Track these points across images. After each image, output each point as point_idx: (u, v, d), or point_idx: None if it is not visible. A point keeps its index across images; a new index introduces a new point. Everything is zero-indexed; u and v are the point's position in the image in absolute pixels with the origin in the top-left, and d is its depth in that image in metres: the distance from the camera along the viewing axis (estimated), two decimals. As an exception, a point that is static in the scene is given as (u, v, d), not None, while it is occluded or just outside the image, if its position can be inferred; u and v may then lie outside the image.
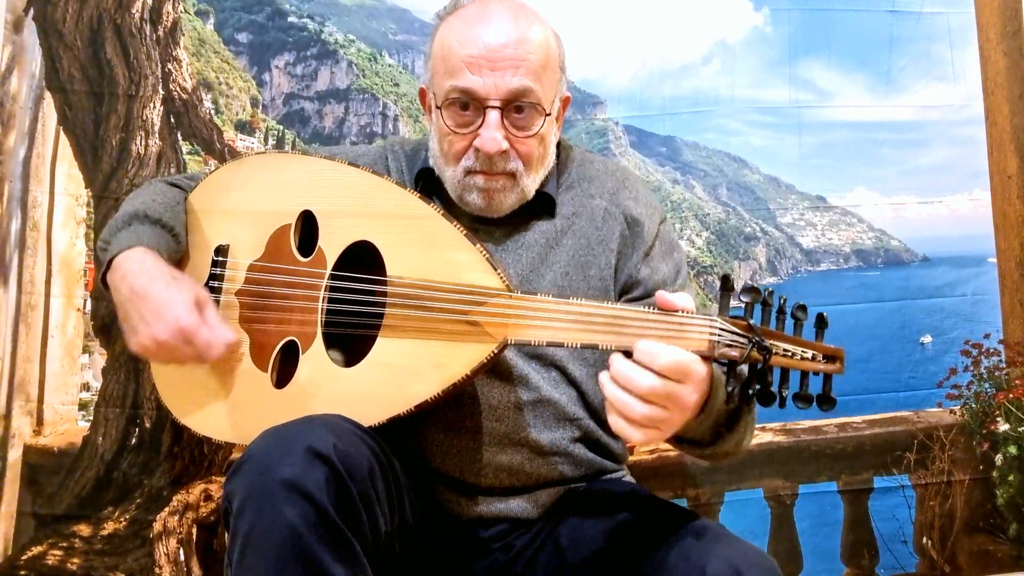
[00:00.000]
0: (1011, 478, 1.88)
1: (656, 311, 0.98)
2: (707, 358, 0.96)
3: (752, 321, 0.97)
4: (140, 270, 1.15)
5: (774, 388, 0.96)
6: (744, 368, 0.96)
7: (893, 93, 2.00)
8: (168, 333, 1.10)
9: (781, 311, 0.98)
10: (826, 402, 0.98)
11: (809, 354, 0.98)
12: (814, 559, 1.90)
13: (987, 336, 1.96)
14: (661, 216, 1.31)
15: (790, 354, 0.97)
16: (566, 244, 1.23)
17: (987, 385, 1.93)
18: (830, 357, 0.99)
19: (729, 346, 0.96)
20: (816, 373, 0.99)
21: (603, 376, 0.96)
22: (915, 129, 2.00)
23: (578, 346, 1.02)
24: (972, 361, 1.94)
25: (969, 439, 1.92)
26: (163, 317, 1.11)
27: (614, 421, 0.94)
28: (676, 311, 0.97)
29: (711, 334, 0.96)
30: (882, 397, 1.93)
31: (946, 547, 1.91)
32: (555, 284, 1.20)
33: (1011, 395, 1.88)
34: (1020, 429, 1.87)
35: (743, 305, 0.98)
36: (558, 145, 1.30)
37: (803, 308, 0.98)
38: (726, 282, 0.99)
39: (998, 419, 1.89)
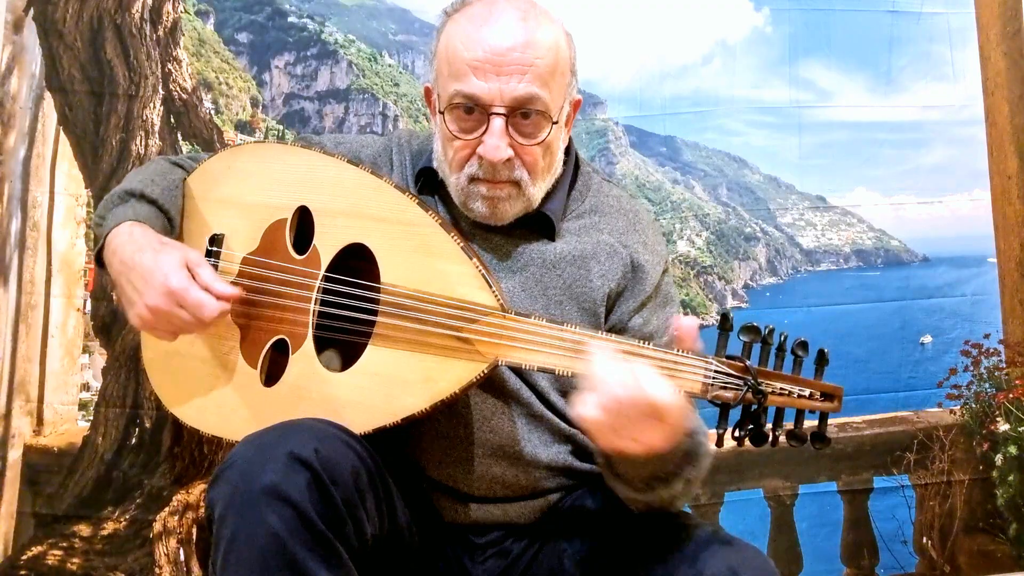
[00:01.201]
0: (1011, 478, 1.88)
1: (652, 346, 0.97)
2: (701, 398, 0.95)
3: (749, 363, 0.95)
4: (128, 241, 1.13)
5: (767, 428, 0.96)
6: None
7: (893, 93, 2.00)
8: (158, 297, 1.08)
9: (781, 348, 0.97)
10: (820, 440, 0.98)
11: (807, 392, 0.97)
12: (814, 559, 1.90)
13: (987, 336, 1.96)
14: (664, 266, 1.27)
15: (787, 392, 0.96)
16: (564, 271, 1.19)
17: (987, 385, 1.93)
18: (828, 395, 0.98)
19: (724, 388, 0.95)
20: (812, 411, 0.98)
21: (595, 360, 0.94)
22: (915, 129, 2.00)
23: (570, 374, 1.01)
24: (972, 361, 1.94)
25: (969, 439, 1.92)
26: (152, 282, 1.08)
27: (583, 398, 0.92)
28: (682, 346, 0.96)
29: (704, 376, 0.95)
30: (882, 397, 1.93)
31: (946, 547, 1.91)
32: (547, 310, 1.17)
33: (1011, 395, 1.88)
34: (1020, 429, 1.87)
35: (742, 344, 0.97)
36: (576, 165, 1.27)
37: (804, 345, 0.97)
38: (724, 321, 0.96)
39: (998, 419, 1.89)
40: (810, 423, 1.01)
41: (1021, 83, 2.00)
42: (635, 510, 1.09)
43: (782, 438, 0.98)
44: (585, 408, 0.92)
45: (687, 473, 1.04)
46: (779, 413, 0.98)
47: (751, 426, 0.96)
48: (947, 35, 2.00)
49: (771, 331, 0.96)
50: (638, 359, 0.95)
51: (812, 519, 1.90)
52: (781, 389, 0.96)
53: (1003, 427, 1.88)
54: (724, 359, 0.96)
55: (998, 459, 1.90)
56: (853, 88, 1.99)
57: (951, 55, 2.00)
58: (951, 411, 1.93)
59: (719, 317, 0.98)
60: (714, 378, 0.95)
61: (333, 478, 0.95)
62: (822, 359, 0.98)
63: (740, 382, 0.95)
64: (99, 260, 1.19)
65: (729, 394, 0.95)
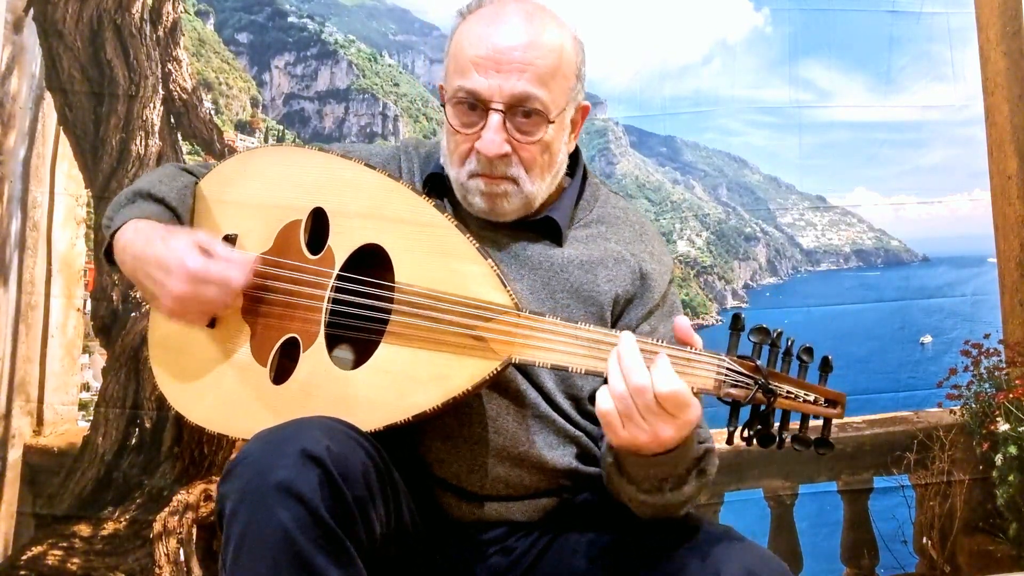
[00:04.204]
0: (1011, 478, 1.88)
1: (666, 344, 0.98)
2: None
3: (759, 363, 0.97)
4: (136, 236, 1.15)
5: (774, 429, 0.98)
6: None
7: (893, 93, 2.00)
8: (182, 283, 1.10)
9: (787, 352, 0.98)
10: (824, 446, 1.00)
11: (812, 397, 0.99)
12: (814, 559, 1.90)
13: (987, 336, 1.96)
14: (670, 276, 1.29)
15: (793, 396, 0.98)
16: (572, 275, 1.21)
17: (987, 385, 1.93)
18: (831, 401, 1.00)
19: (735, 386, 0.97)
20: (817, 416, 1.00)
21: (615, 351, 0.97)
22: (915, 129, 2.00)
23: (583, 372, 1.02)
24: (972, 361, 1.94)
25: (969, 439, 1.92)
26: (171, 270, 1.10)
27: (602, 389, 0.96)
28: (688, 345, 0.98)
29: (717, 373, 0.97)
30: (882, 397, 1.93)
31: (946, 547, 1.91)
32: (554, 312, 1.16)
33: (1011, 395, 1.88)
34: (1020, 429, 1.87)
35: (751, 344, 0.99)
36: (584, 176, 1.30)
37: (809, 351, 0.99)
38: (736, 321, 0.99)
39: (998, 419, 1.89)
40: (814, 423, 1.02)
41: (1021, 83, 2.00)
42: (640, 515, 1.09)
43: (787, 441, 0.99)
44: (600, 397, 0.95)
45: (697, 480, 1.06)
46: (784, 416, 0.99)
47: (759, 426, 0.98)
48: (947, 35, 2.00)
49: (779, 334, 0.98)
50: (653, 355, 0.97)
51: (812, 519, 1.90)
52: (788, 392, 0.98)
53: (1003, 427, 1.88)
54: (736, 358, 0.98)
55: (998, 459, 1.90)
56: (853, 88, 1.99)
57: (951, 55, 2.00)
58: (951, 411, 1.93)
59: (731, 318, 0.99)
60: (726, 376, 0.97)
61: (344, 476, 0.95)
62: (826, 366, 1.00)
63: (751, 381, 0.97)
64: (110, 259, 1.20)
65: (740, 392, 0.97)
